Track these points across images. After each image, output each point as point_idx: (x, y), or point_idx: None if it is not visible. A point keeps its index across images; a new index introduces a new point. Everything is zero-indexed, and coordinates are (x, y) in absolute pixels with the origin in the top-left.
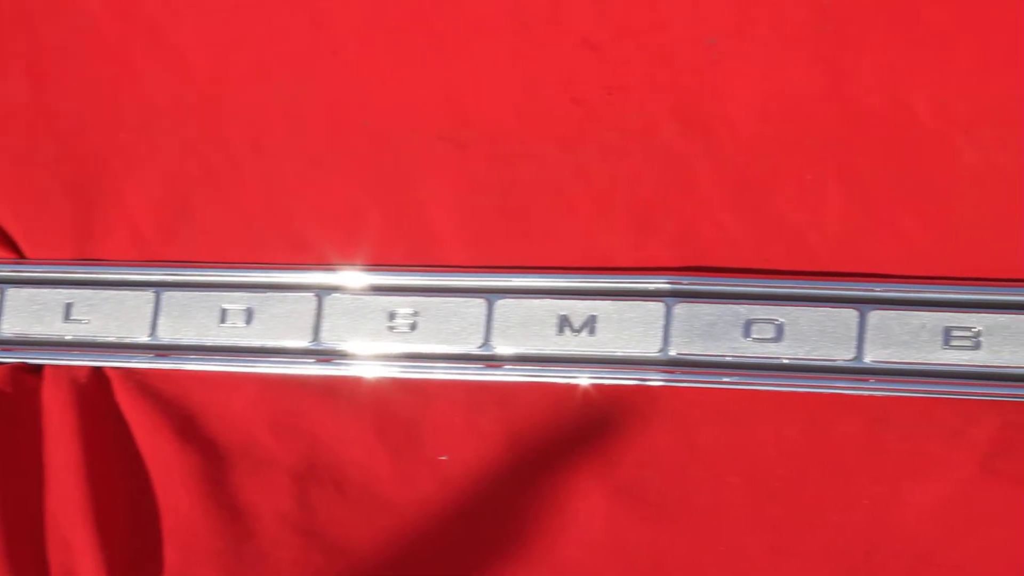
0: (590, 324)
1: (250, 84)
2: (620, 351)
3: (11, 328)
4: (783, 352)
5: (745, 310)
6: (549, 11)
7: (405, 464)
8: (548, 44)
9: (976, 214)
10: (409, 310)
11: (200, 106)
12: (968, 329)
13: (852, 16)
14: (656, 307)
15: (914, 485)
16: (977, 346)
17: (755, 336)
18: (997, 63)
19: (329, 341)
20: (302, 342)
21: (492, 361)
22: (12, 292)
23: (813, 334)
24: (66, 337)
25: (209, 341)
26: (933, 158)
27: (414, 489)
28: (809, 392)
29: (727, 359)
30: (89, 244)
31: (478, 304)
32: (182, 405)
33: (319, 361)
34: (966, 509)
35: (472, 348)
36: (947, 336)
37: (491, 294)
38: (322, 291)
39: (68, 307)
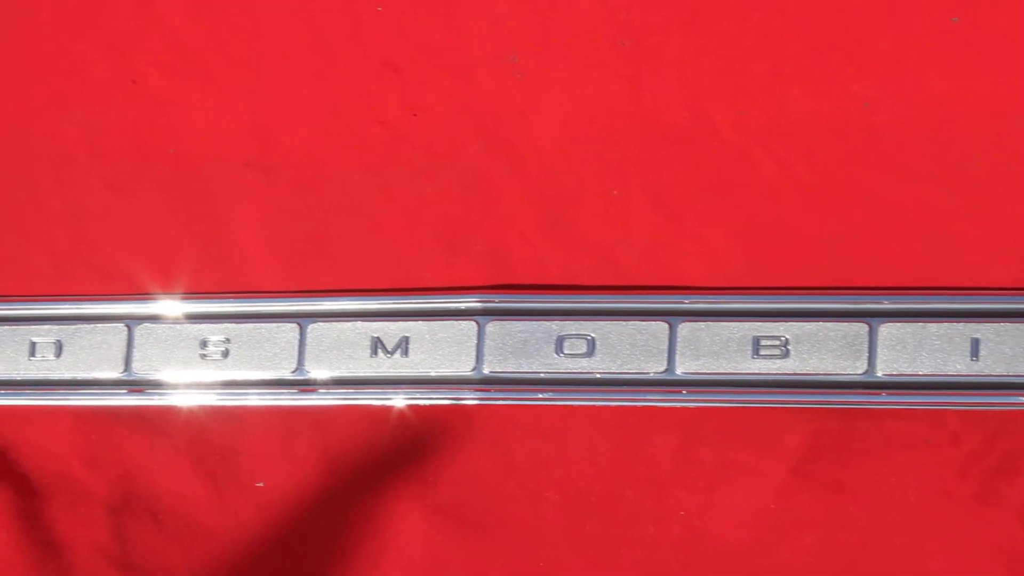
0: (403, 345)
1: (51, 115)
2: (434, 371)
3: None
4: (595, 367)
5: (556, 326)
6: (349, 33)
7: (222, 492)
8: (350, 66)
9: (778, 224)
10: (221, 337)
11: (0, 138)
12: (776, 338)
13: (650, 32)
14: (468, 326)
15: (728, 494)
16: (786, 355)
17: (567, 352)
18: (793, 75)
19: (141, 371)
20: (113, 373)
21: (306, 385)
22: None
23: (624, 348)
24: None
25: (19, 375)
26: (734, 170)
27: (232, 517)
28: (622, 405)
29: (540, 375)
30: None
31: (290, 329)
32: None
33: (131, 392)
34: (779, 516)
35: (286, 373)
36: (756, 346)
37: (303, 318)
38: (132, 321)
39: None
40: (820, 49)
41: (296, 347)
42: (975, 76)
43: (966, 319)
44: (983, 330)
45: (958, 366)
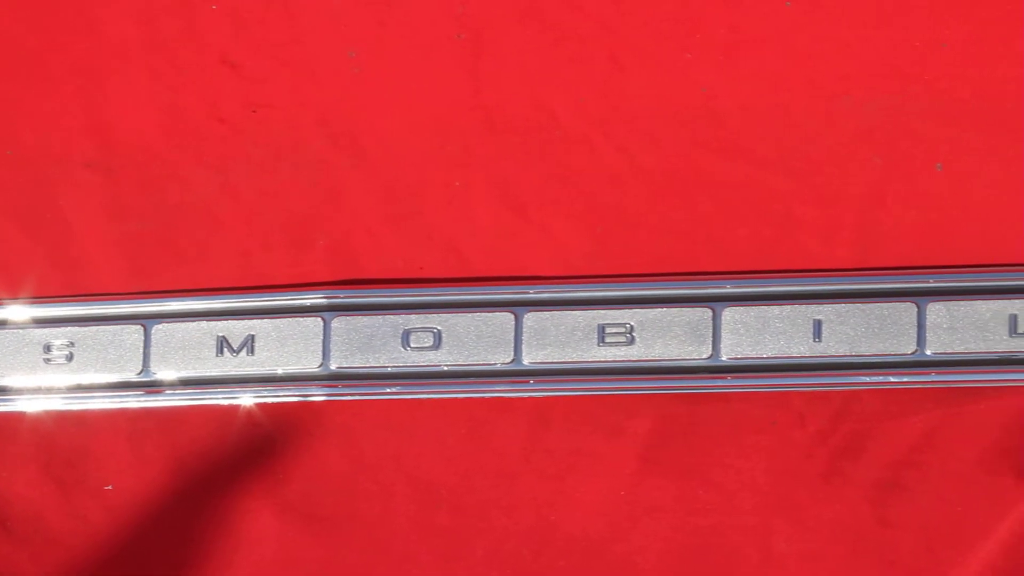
0: (249, 343)
1: None
2: (281, 368)
3: None
4: (442, 359)
5: (402, 320)
6: (186, 31)
7: (70, 497)
8: (187, 65)
9: (621, 212)
10: (64, 341)
11: None
12: (621, 325)
13: (488, 24)
14: (314, 322)
15: (578, 482)
16: (631, 342)
17: (414, 345)
18: (631, 63)
19: None
20: None
21: (153, 387)
22: None
23: (471, 340)
24: None
25: None
26: (577, 159)
27: (81, 521)
28: (470, 397)
29: (388, 370)
30: None
31: (135, 330)
32: None
33: None
34: (629, 502)
35: (131, 375)
36: (601, 334)
37: (147, 319)
38: None
39: None
40: (657, 36)
41: (141, 349)
42: (811, 59)
43: (808, 301)
44: (825, 311)
45: (801, 348)
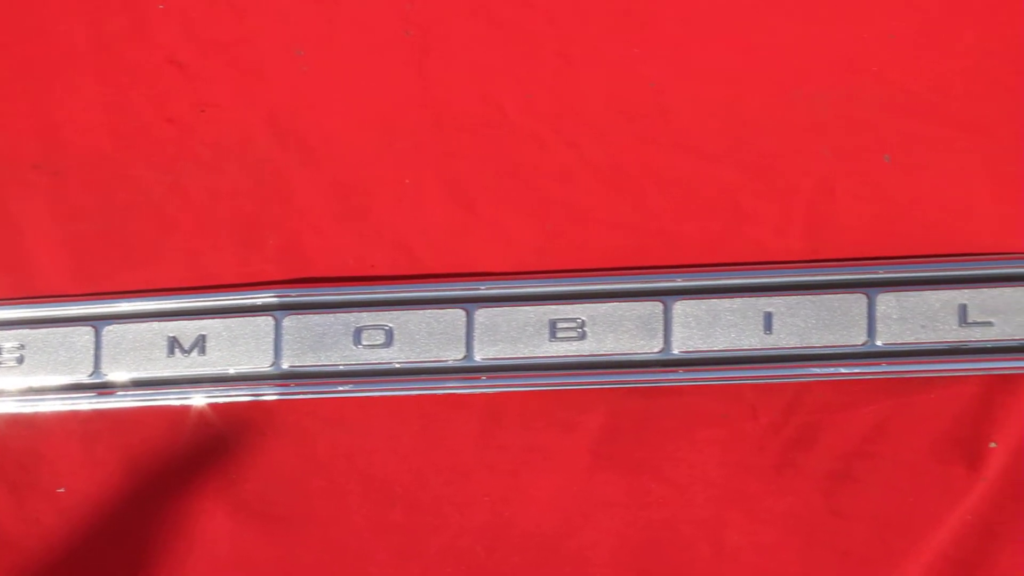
0: (200, 343)
1: None
2: (232, 368)
3: None
4: (394, 357)
5: (354, 318)
6: (133, 31)
7: (23, 500)
8: (135, 65)
9: (571, 207)
10: (15, 343)
11: None
12: (573, 320)
13: (436, 21)
14: (265, 321)
15: (531, 478)
16: (582, 336)
17: (366, 343)
18: (580, 58)
19: None
20: None
21: (104, 388)
22: None
23: (422, 337)
24: None
25: None
26: (526, 155)
27: (34, 524)
28: (422, 394)
29: (340, 368)
30: None
31: (86, 332)
32: None
33: None
34: (582, 497)
35: (83, 377)
36: (553, 329)
37: (98, 321)
38: None
39: None
40: (605, 31)
41: (92, 350)
42: (760, 53)
43: (758, 293)
44: (775, 304)
45: (752, 340)
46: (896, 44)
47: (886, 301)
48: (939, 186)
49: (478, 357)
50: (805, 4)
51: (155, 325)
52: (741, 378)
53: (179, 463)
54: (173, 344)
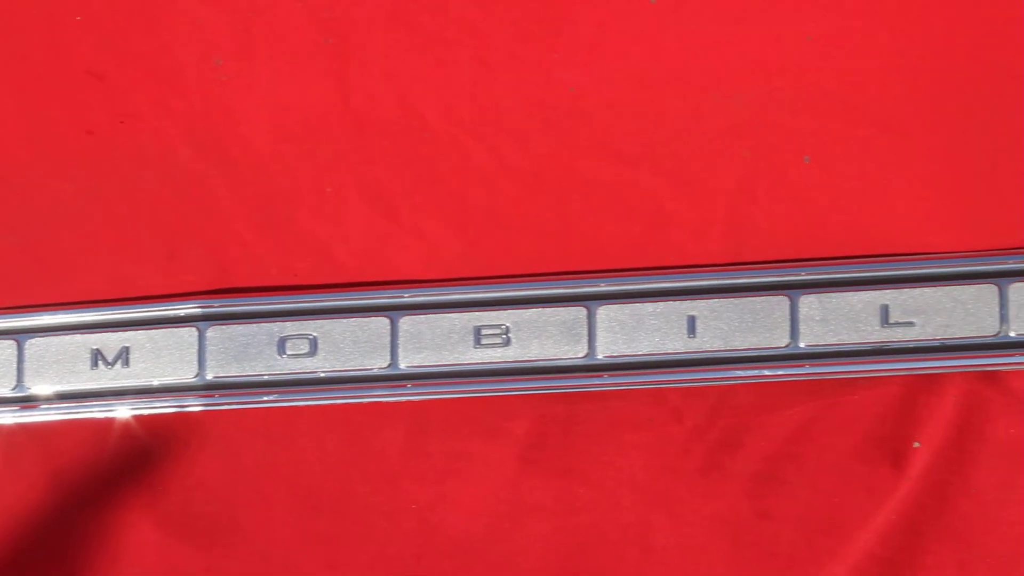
0: (124, 355)
1: None
2: (157, 380)
3: None
4: (319, 366)
5: (278, 327)
6: (50, 42)
7: None
8: (53, 77)
9: (494, 213)
10: None
11: None
12: (497, 327)
13: (354, 29)
14: (188, 332)
15: (458, 485)
16: (507, 343)
17: (290, 352)
18: (498, 64)
19: None
20: None
21: (27, 402)
22: None
23: (347, 345)
24: None
25: None
26: (447, 161)
27: None
28: (348, 403)
29: (264, 378)
30: None
31: (8, 346)
32: None
33: None
34: (510, 502)
35: (5, 391)
36: (477, 336)
37: (20, 334)
38: None
39: None
40: (523, 37)
41: (15, 364)
42: (678, 56)
43: (681, 297)
44: (698, 307)
45: (676, 344)
46: (812, 45)
47: (808, 303)
48: (859, 186)
49: (403, 365)
50: (722, 7)
51: (78, 338)
52: (666, 382)
53: (104, 476)
54: (97, 356)
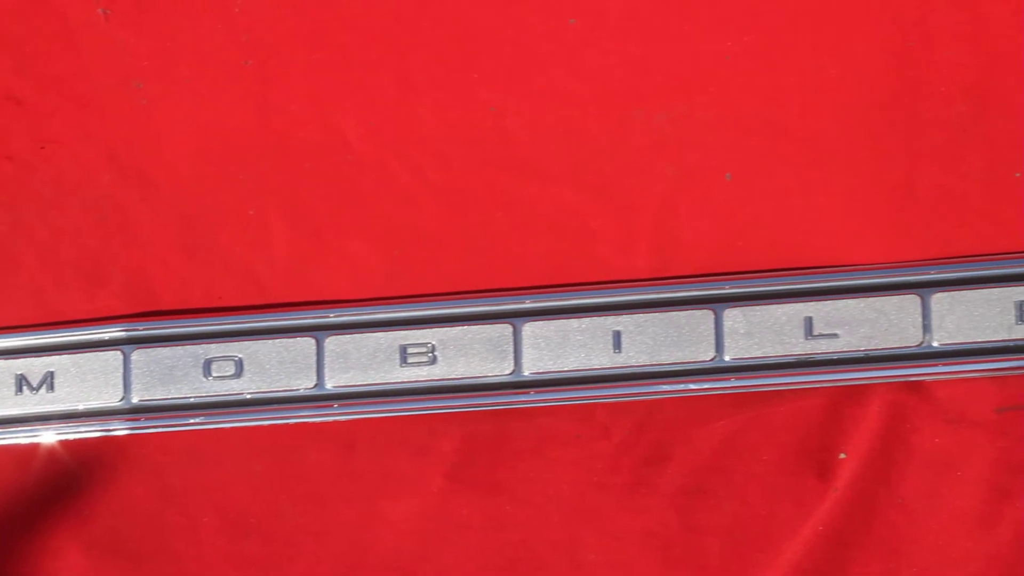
0: (48, 380)
1: None
2: (82, 404)
3: None
4: (245, 387)
5: (203, 350)
6: None
7: None
8: None
9: (418, 232)
10: None
11: None
12: (423, 345)
13: (274, 51)
14: (113, 356)
15: (387, 504)
16: (433, 361)
17: (216, 374)
18: (420, 84)
19: None
20: None
21: None
22: None
23: (273, 366)
24: None
25: None
26: (370, 181)
27: None
28: (275, 424)
29: (191, 400)
30: None
31: None
32: None
33: None
34: (439, 520)
35: None
36: (404, 354)
37: None
38: None
39: None
40: (444, 57)
41: None
42: (598, 74)
43: (607, 313)
44: (624, 322)
45: (602, 359)
46: (731, 63)
47: (733, 316)
48: (780, 201)
49: (330, 385)
50: (641, 26)
51: (1, 363)
52: (592, 397)
53: (30, 502)
54: (21, 382)
